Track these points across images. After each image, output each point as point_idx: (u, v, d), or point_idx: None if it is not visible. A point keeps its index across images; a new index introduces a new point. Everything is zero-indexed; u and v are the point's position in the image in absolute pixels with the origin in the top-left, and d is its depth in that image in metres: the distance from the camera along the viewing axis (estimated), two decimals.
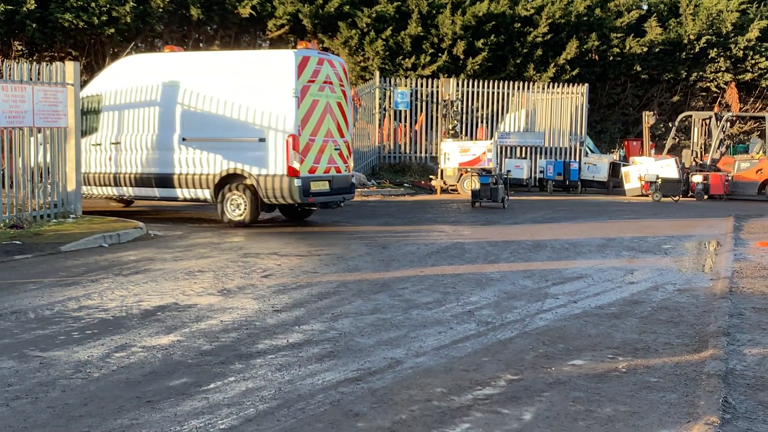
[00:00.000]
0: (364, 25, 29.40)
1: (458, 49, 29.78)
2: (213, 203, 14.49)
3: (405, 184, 24.88)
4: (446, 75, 28.86)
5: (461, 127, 26.22)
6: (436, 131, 27.39)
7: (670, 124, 27.76)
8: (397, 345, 6.47)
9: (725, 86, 35.33)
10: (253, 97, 13.93)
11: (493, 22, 30.50)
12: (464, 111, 27.14)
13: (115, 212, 15.85)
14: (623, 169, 25.47)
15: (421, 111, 27.65)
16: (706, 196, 23.83)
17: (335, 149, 14.59)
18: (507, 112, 27.37)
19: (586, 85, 27.90)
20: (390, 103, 27.06)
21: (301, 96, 13.72)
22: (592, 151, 28.81)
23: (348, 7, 29.34)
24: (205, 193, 14.37)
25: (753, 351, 6.51)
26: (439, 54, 30.32)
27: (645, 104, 35.17)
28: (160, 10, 27.06)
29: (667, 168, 23.80)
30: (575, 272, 10.15)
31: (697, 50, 34.24)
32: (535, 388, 5.44)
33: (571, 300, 8.42)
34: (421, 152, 27.81)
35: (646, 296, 8.73)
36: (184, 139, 14.39)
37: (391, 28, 29.55)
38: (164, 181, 14.67)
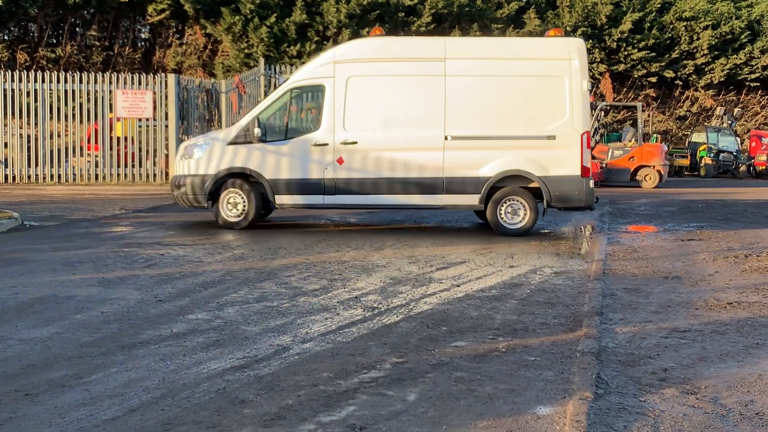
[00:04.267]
0: (248, 12, 29.09)
1: (343, 38, 29.82)
2: (480, 210, 13.01)
3: None
4: None
5: None
6: None
7: None
8: (284, 332, 6.48)
9: (600, 77, 36.71)
10: (537, 90, 12.66)
11: (378, 11, 30.72)
12: None
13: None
14: None
15: None
16: None
17: None
18: None
19: None
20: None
21: None
22: None
23: None
24: (471, 199, 12.60)
25: (624, 329, 6.85)
26: (325, 42, 30.30)
27: None
28: None
29: None
30: (459, 257, 10.39)
31: None
32: (419, 369, 5.57)
33: (455, 284, 8.63)
34: None
35: (525, 279, 9.03)
36: (446, 138, 12.52)
37: (275, 14, 29.36)
38: (419, 186, 12.59)
